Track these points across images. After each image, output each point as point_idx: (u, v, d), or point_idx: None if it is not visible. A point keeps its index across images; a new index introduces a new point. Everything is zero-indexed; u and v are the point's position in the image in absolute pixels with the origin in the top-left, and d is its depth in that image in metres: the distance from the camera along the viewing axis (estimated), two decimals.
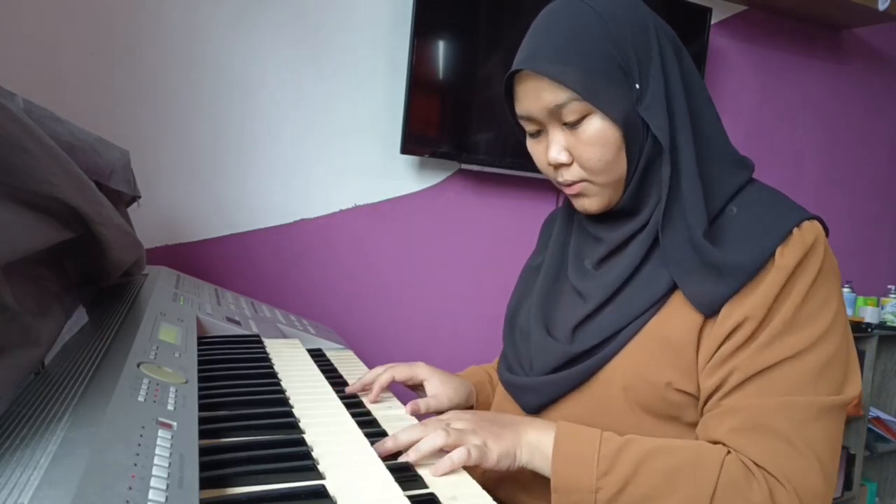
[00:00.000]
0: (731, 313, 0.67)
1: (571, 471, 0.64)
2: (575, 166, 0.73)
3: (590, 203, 0.75)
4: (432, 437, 0.64)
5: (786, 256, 0.67)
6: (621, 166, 0.72)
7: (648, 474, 0.63)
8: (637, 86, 0.70)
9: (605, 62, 0.69)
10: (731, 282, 0.67)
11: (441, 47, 1.74)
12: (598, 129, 0.70)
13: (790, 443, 0.63)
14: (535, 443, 0.66)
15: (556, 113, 0.70)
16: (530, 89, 0.71)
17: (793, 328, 0.66)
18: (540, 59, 0.69)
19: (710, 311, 0.68)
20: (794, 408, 0.64)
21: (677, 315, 0.70)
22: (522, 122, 0.76)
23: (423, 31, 1.69)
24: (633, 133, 0.70)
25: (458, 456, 0.62)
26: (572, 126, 0.71)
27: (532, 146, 0.77)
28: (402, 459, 0.63)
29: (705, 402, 0.69)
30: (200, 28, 1.53)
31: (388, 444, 0.64)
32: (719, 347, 0.68)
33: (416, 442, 0.64)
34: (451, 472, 0.62)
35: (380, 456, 0.60)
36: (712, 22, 2.13)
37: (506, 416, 0.71)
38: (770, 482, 0.63)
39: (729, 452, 0.64)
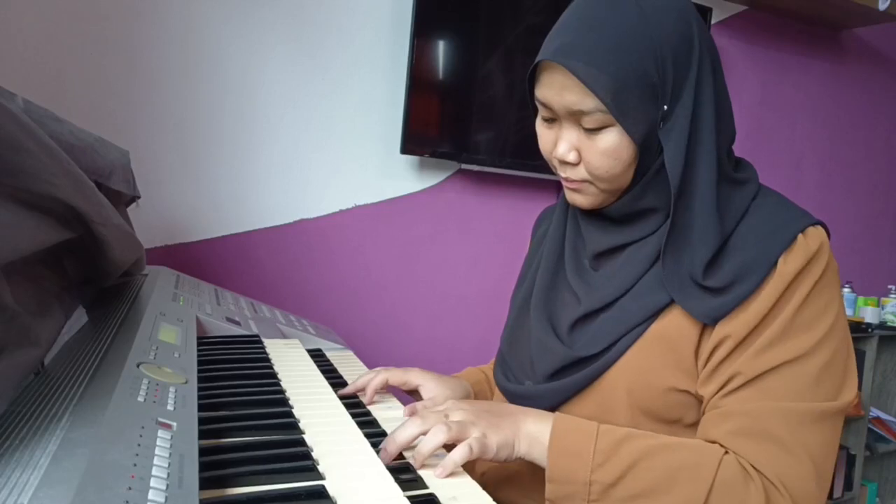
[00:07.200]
0: (730, 319, 0.67)
1: (567, 462, 0.64)
2: (581, 167, 0.71)
3: (583, 200, 0.75)
4: (433, 435, 0.62)
5: (788, 263, 0.67)
6: (627, 177, 0.71)
7: (646, 470, 0.63)
8: (665, 106, 0.67)
9: (639, 77, 0.65)
10: (736, 294, 0.67)
11: (441, 47, 1.74)
12: (615, 143, 0.68)
13: (787, 448, 0.63)
14: (533, 433, 0.66)
15: (576, 114, 0.68)
16: (556, 82, 0.68)
17: (793, 332, 0.66)
18: (577, 55, 0.65)
19: (715, 322, 0.68)
20: (792, 413, 0.64)
21: (678, 317, 0.70)
22: (538, 105, 0.73)
23: (423, 30, 1.69)
24: (649, 151, 0.69)
25: (459, 455, 0.61)
26: (589, 131, 0.69)
27: (542, 129, 0.74)
28: (408, 461, 0.63)
29: (706, 404, 0.69)
30: (200, 28, 1.53)
31: (390, 449, 0.63)
32: (715, 351, 0.68)
33: (415, 437, 0.63)
34: (455, 471, 0.61)
35: (385, 465, 0.59)
36: (713, 22, 2.13)
37: (504, 406, 0.70)
38: (767, 486, 0.63)
39: (727, 453, 0.64)
